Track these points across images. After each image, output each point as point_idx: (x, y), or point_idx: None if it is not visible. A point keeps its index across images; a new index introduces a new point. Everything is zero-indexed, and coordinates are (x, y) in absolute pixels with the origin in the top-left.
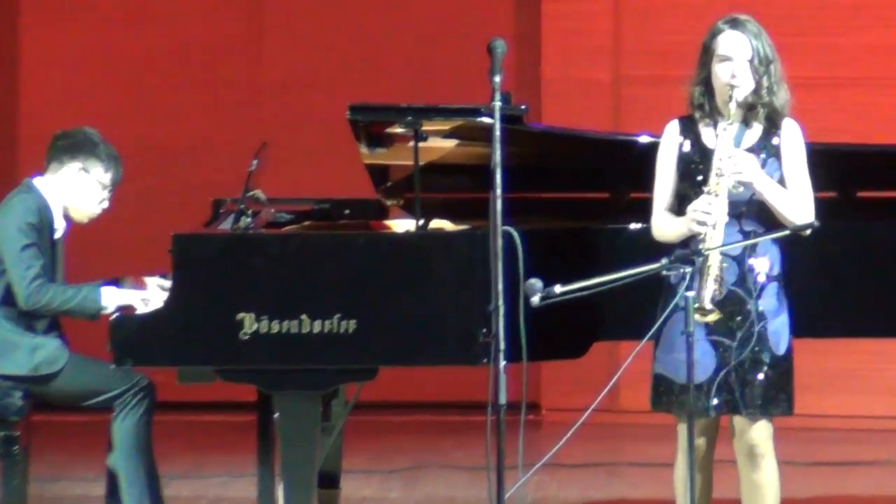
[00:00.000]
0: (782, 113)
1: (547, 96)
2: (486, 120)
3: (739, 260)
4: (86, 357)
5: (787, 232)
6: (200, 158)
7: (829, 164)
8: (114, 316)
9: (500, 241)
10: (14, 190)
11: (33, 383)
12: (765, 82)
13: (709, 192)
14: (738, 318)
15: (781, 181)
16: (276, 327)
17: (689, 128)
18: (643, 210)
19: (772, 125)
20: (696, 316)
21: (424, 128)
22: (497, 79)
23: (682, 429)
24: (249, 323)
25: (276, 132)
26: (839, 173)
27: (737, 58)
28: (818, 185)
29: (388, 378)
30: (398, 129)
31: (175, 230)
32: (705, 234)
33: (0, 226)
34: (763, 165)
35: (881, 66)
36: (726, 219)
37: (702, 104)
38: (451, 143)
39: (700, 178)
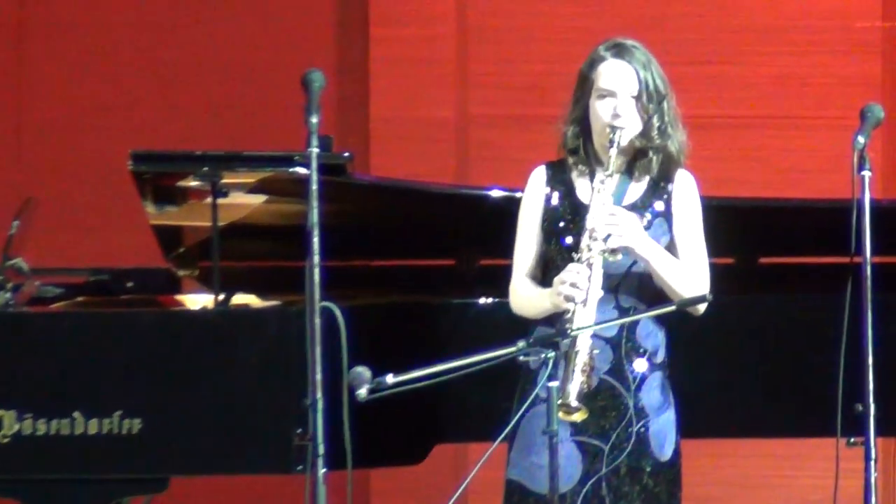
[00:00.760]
0: (677, 161)
1: (377, 140)
2: (301, 170)
3: (615, 343)
4: None
5: (672, 308)
6: None
7: (726, 223)
8: None
9: (318, 321)
10: None
11: None
12: (655, 123)
13: (579, 260)
14: (613, 416)
15: (671, 246)
16: (42, 427)
17: (559, 177)
18: (497, 280)
19: (662, 177)
20: (560, 413)
21: (225, 181)
22: (314, 119)
23: None
24: (10, 422)
25: (40, 185)
26: (738, 235)
27: (621, 93)
28: (714, 249)
29: (184, 489)
30: (192, 183)
31: None
32: (573, 312)
33: None
34: (648, 227)
35: (792, 102)
36: (600, 293)
37: (576, 148)
38: (257, 200)
39: (570, 240)
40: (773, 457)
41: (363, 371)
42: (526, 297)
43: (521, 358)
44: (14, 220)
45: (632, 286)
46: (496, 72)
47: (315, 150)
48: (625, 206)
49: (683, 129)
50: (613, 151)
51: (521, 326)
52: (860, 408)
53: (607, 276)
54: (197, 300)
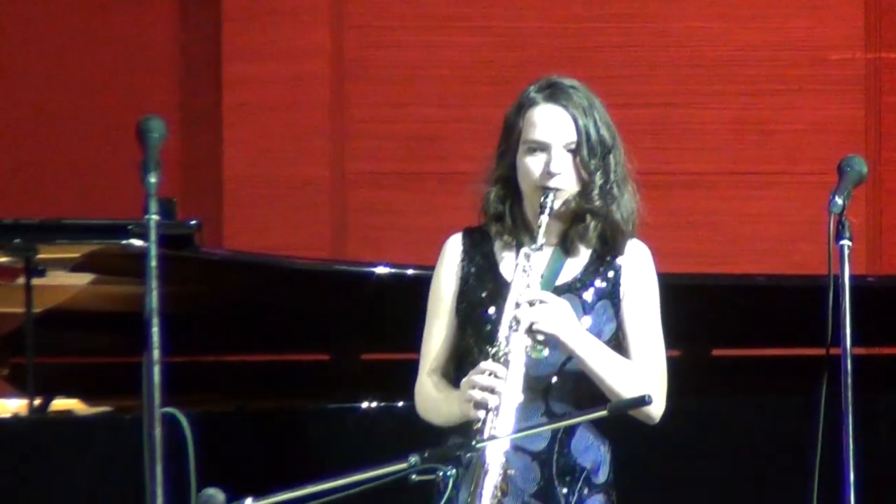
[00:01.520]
0: (625, 230)
1: (232, 203)
2: (136, 243)
3: (544, 460)
4: None
5: (603, 413)
6: None
7: (671, 306)
8: None
9: (159, 431)
10: None
11: None
12: (598, 182)
13: (494, 356)
14: None
15: (619, 336)
16: None
17: (479, 248)
18: (383, 379)
19: (608, 250)
20: None
21: (42, 255)
22: (152, 179)
23: None
24: None
25: None
26: (686, 321)
27: (555, 145)
28: (670, 339)
29: None
30: (1, 259)
31: None
32: (483, 422)
33: None
34: (589, 312)
35: (753, 154)
36: (520, 397)
37: (500, 214)
38: (83, 280)
39: (491, 328)
40: None
41: (215, 494)
42: (432, 399)
43: (414, 477)
44: None
45: (566, 389)
46: (381, 117)
47: (154, 218)
48: (560, 287)
49: (634, 189)
50: (544, 219)
51: (415, 436)
52: None
53: (535, 378)
54: (7, 406)
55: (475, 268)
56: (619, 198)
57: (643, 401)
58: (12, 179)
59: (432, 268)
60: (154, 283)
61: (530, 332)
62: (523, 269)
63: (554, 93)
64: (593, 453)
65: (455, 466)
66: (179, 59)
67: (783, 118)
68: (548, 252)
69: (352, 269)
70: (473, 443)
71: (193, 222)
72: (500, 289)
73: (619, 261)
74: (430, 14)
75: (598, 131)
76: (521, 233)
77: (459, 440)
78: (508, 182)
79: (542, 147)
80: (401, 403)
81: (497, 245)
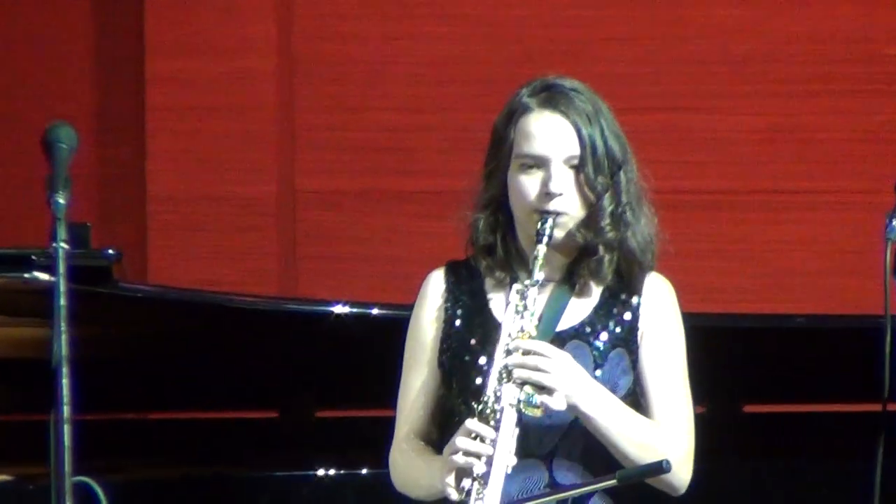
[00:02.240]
0: (642, 262)
1: (159, 229)
2: (41, 276)
3: None
4: None
5: (612, 482)
6: None
7: (692, 353)
8: None
9: (70, 502)
10: None
11: None
12: (608, 205)
13: (481, 414)
14: None
15: (634, 393)
16: None
17: (466, 286)
18: (341, 440)
19: (623, 286)
20: None
21: None
22: (61, 200)
23: None
24: None
25: None
26: (711, 371)
27: (555, 160)
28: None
29: None
30: None
31: None
32: (468, 492)
33: None
34: (601, 364)
35: (789, 169)
36: (512, 461)
37: (491, 245)
38: None
39: (480, 380)
40: None
41: None
42: (410, 468)
43: None
44: None
45: (574, 456)
46: (337, 124)
47: (63, 246)
48: (564, 332)
49: (651, 211)
50: (541, 249)
51: None
52: None
53: (536, 442)
54: None
55: (462, 309)
56: (633, 223)
57: (660, 468)
58: None
59: (401, 307)
60: (63, 326)
61: (524, 387)
62: (515, 308)
63: (552, 97)
64: None
65: None
66: (95, 56)
67: (826, 125)
68: (548, 288)
69: (304, 308)
70: None
71: (111, 252)
72: (491, 334)
73: (636, 300)
74: (393, 0)
75: (605, 142)
76: (517, 267)
77: None
78: (500, 206)
79: (539, 163)
80: (364, 471)
81: (488, 283)
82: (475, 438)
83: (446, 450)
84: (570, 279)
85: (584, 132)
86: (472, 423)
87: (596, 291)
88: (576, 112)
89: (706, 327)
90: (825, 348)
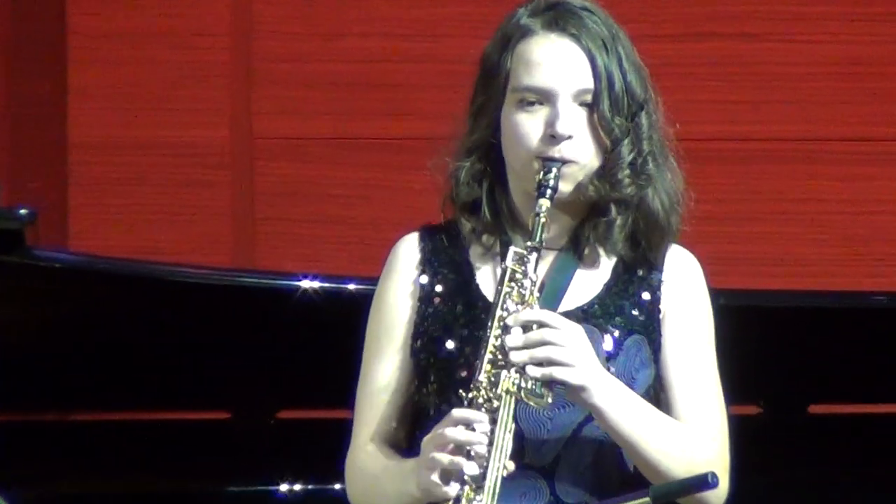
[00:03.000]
0: (665, 227)
1: (84, 184)
2: None
3: None
4: None
5: (645, 500)
6: None
7: (741, 341)
8: None
9: None
10: None
11: None
12: (626, 153)
13: (472, 403)
14: None
15: (654, 388)
16: None
17: (444, 254)
18: (306, 446)
19: (641, 258)
20: None
21: None
22: None
23: None
24: None
25: None
26: (765, 363)
27: (563, 94)
28: (732, 392)
29: None
30: None
31: None
32: (456, 501)
33: None
34: (615, 355)
35: (863, 112)
36: (510, 467)
37: (476, 201)
38: None
39: (465, 372)
40: None
41: None
42: (371, 476)
43: None
44: None
45: (582, 465)
46: (304, 54)
47: None
48: (569, 313)
49: (678, 166)
50: (544, 205)
51: None
52: None
53: (535, 447)
54: None
55: (441, 285)
56: (657, 178)
57: (706, 482)
58: None
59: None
60: None
61: (524, 373)
62: (511, 276)
63: (559, 17)
64: None
65: None
66: None
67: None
68: (549, 258)
69: (264, 282)
70: None
71: (23, 211)
72: (478, 315)
73: (657, 276)
74: None
75: (624, 75)
76: (509, 229)
77: None
78: (488, 153)
79: (543, 98)
80: (338, 486)
81: (474, 251)
82: (465, 430)
83: (426, 444)
84: (577, 247)
85: (599, 61)
86: (460, 412)
87: (607, 264)
88: (589, 36)
89: (760, 308)
90: None
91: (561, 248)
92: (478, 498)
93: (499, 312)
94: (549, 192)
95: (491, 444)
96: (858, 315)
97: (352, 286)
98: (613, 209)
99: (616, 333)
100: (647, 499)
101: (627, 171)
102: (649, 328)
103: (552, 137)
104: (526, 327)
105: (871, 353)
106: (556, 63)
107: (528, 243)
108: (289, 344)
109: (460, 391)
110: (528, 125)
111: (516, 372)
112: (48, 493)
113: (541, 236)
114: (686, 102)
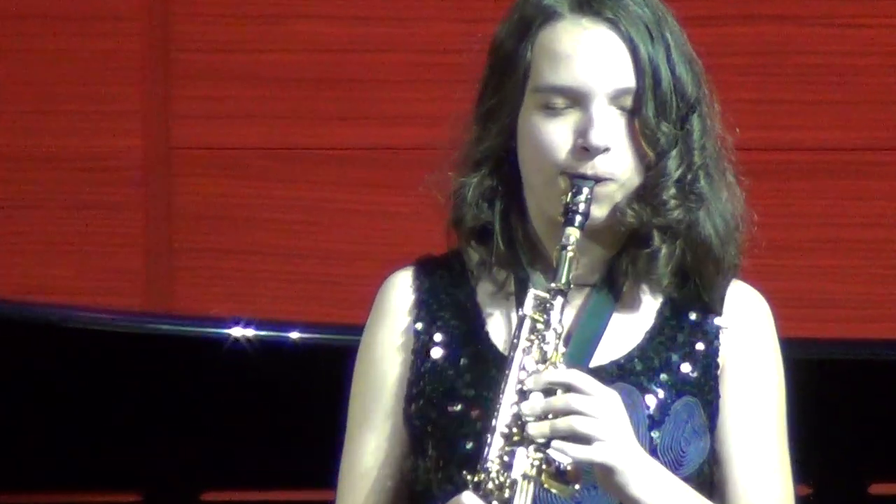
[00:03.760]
0: (720, 260)
1: None
2: None
3: None
4: None
5: None
6: None
7: (797, 400)
8: None
9: None
10: None
11: None
12: (673, 170)
13: (479, 488)
14: None
15: (707, 463)
16: None
17: (446, 294)
18: None
19: (694, 298)
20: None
21: None
22: None
23: None
24: None
25: None
26: (824, 432)
27: (598, 95)
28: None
29: None
30: None
31: None
32: None
33: None
34: (659, 423)
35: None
36: None
37: (486, 228)
38: None
39: (472, 442)
40: None
41: None
42: None
43: None
44: None
45: None
46: (235, 42)
47: None
48: (602, 369)
49: (739, 187)
50: (573, 235)
51: None
52: None
53: None
54: None
55: (442, 333)
56: (710, 198)
57: None
58: None
59: (338, 329)
60: None
61: (546, 452)
62: (532, 326)
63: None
64: None
65: None
66: None
67: None
68: (578, 299)
69: (185, 330)
70: None
71: None
72: (489, 371)
73: (715, 321)
74: None
75: (673, 71)
76: (527, 263)
77: None
78: (501, 167)
79: (574, 100)
80: None
81: (482, 290)
82: None
83: None
84: (613, 285)
85: (643, 53)
86: (469, 499)
87: (651, 305)
88: (629, 21)
89: (808, 362)
90: None
91: (593, 285)
92: None
93: (514, 373)
94: (578, 218)
95: None
96: None
97: (295, 335)
98: (657, 237)
99: (661, 394)
100: None
101: (674, 191)
102: (704, 388)
103: (584, 150)
104: (548, 392)
105: None
106: (589, 56)
107: (553, 284)
108: (215, 408)
109: (466, 475)
110: (554, 134)
111: (535, 450)
112: None
113: (568, 276)
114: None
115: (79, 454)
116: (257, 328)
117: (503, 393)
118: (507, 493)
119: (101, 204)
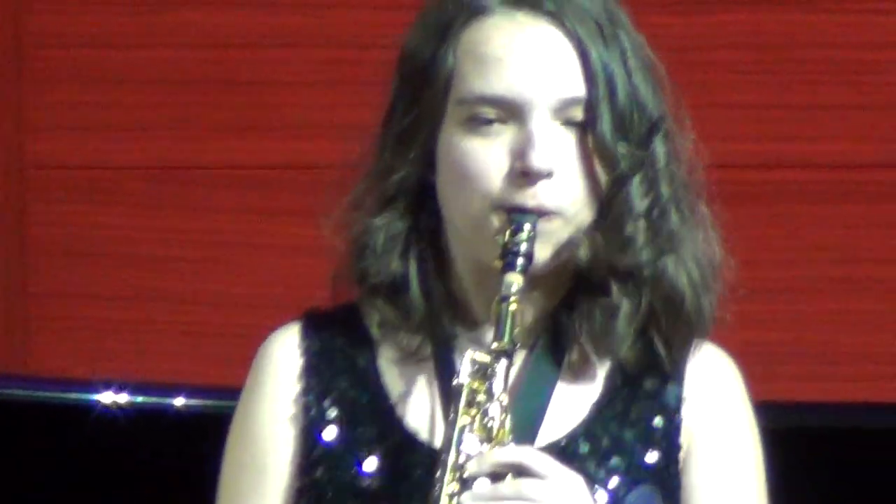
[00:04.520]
0: (692, 317)
1: None
2: None
3: None
4: None
5: None
6: None
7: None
8: None
9: None
10: None
11: None
12: (636, 201)
13: None
14: None
15: None
16: None
17: (339, 356)
18: None
19: (649, 362)
20: None
21: None
22: None
23: None
24: None
25: None
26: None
27: (540, 108)
28: None
29: None
30: None
31: None
32: None
33: None
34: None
35: None
36: None
37: (399, 280)
38: None
39: None
40: None
41: None
42: None
43: None
44: None
45: None
46: (99, 39)
47: None
48: (549, 447)
49: (709, 219)
50: (515, 285)
51: None
52: None
53: None
54: None
55: (337, 406)
56: (683, 238)
57: None
58: None
59: (236, 393)
60: None
61: None
62: (471, 398)
63: None
64: None
65: None
66: None
67: None
68: (516, 361)
69: (42, 395)
70: None
71: None
72: (399, 454)
73: (674, 390)
74: None
75: (629, 77)
76: (448, 320)
77: None
78: (417, 203)
79: (509, 113)
80: None
81: (386, 351)
82: None
83: None
84: (557, 345)
85: (594, 55)
86: None
87: (597, 370)
88: (577, 17)
89: (808, 430)
90: None
91: (532, 346)
92: None
93: (453, 457)
94: (520, 262)
95: None
96: None
97: (180, 401)
98: (616, 288)
99: (613, 484)
100: None
101: (640, 225)
102: (664, 475)
103: (523, 175)
104: (496, 476)
105: None
106: (526, 59)
107: (494, 345)
108: (78, 488)
109: None
110: (485, 156)
111: None
112: None
113: (512, 333)
114: (702, 109)
115: None
116: (133, 393)
117: (440, 482)
118: None
119: None
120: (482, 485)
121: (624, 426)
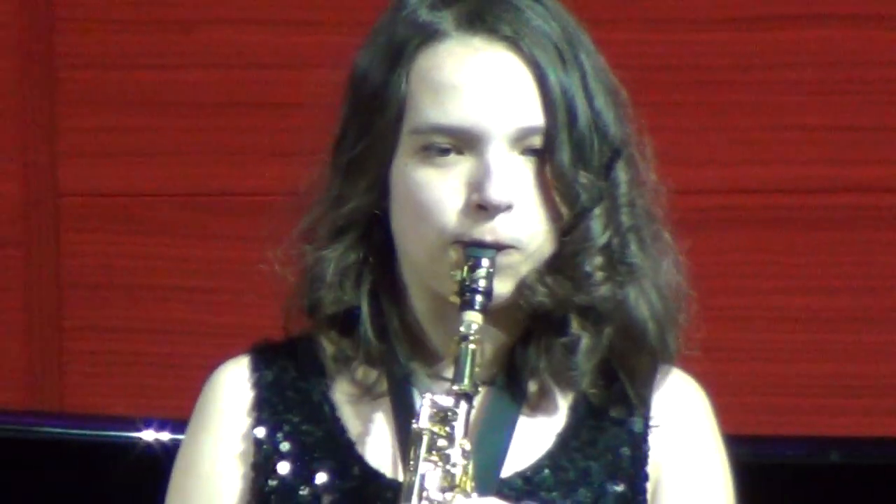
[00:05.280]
0: (657, 348)
1: None
2: None
3: None
4: None
5: None
6: None
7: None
8: None
9: None
10: None
11: None
12: (597, 233)
13: None
14: None
15: None
16: None
17: (291, 389)
18: None
19: (613, 394)
20: None
21: None
22: None
23: None
24: None
25: None
26: None
27: (497, 138)
28: None
29: None
30: None
31: None
32: None
33: None
34: None
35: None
36: None
37: (349, 315)
38: None
39: None
40: None
41: None
42: None
43: None
44: None
45: None
46: (136, 54)
47: None
48: (509, 481)
49: (674, 246)
50: (474, 324)
51: None
52: None
53: None
54: None
55: (290, 440)
56: (644, 269)
57: None
58: None
59: None
60: None
61: None
62: (432, 443)
63: (484, 9)
64: None
65: None
66: None
67: None
68: (475, 401)
69: (83, 434)
70: None
71: None
72: (356, 487)
73: (639, 422)
74: None
75: (591, 104)
76: (403, 355)
77: None
78: (367, 235)
79: (465, 142)
80: None
81: (339, 387)
82: None
83: None
84: (517, 381)
85: (554, 82)
86: None
87: (561, 400)
88: (534, 41)
89: (798, 467)
90: None
91: (492, 383)
92: None
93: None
94: (479, 299)
95: None
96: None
97: (157, 437)
98: (576, 322)
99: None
100: None
101: (600, 260)
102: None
103: (480, 208)
104: None
105: None
106: (482, 87)
107: (455, 388)
108: None
109: None
110: (441, 189)
111: None
112: None
113: (472, 374)
114: (768, 130)
115: None
116: (174, 430)
117: None
118: None
119: None
120: None
121: (590, 457)
